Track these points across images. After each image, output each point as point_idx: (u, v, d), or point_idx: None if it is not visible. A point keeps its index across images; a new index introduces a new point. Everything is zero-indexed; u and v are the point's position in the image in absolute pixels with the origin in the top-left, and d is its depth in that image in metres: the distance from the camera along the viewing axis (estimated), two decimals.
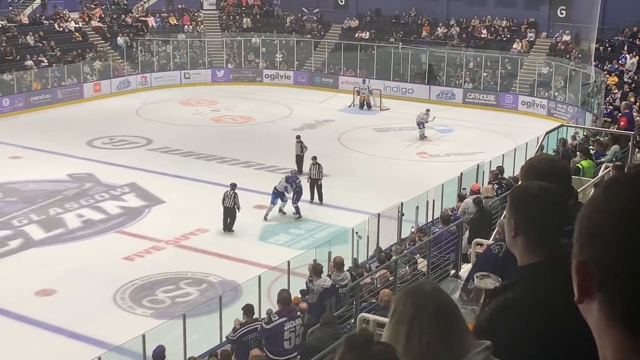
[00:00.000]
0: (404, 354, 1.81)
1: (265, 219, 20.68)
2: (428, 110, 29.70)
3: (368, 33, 40.60)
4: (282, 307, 10.66)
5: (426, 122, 29.12)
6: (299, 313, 10.96)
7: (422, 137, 29.06)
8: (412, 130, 30.69)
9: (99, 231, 20.11)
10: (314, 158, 22.24)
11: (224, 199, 19.85)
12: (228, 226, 19.83)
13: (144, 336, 11.98)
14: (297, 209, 20.92)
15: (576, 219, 1.24)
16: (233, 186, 20.05)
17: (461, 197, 16.88)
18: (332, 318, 10.36)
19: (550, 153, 17.79)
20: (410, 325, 1.85)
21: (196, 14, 43.61)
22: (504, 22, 38.70)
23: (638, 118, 18.66)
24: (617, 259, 1.14)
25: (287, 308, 10.68)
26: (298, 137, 24.51)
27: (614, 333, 1.15)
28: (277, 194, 20.82)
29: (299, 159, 24.07)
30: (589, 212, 1.21)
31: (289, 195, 20.92)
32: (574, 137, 19.39)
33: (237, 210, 19.85)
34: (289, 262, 14.75)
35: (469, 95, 36.28)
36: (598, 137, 17.60)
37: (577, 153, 15.34)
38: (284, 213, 21.01)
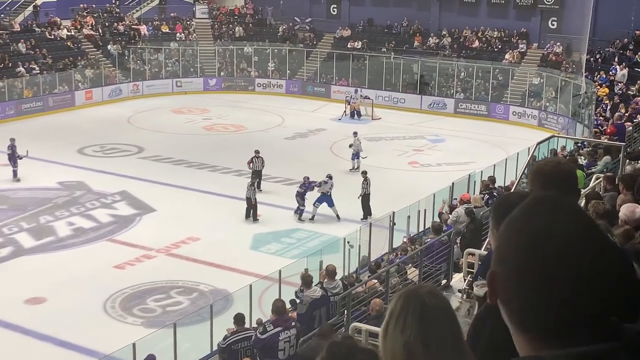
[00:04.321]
0: (384, 348, 1.87)
1: (311, 219, 21.20)
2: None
3: (360, 43, 40.71)
4: (276, 317, 10.59)
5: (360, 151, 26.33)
6: (293, 323, 10.91)
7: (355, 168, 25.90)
8: (404, 140, 30.77)
9: (89, 239, 20.03)
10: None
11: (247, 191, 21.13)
12: (252, 215, 20.98)
13: (134, 345, 11.92)
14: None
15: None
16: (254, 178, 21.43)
17: (452, 208, 16.90)
18: (330, 331, 10.20)
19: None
20: (396, 320, 1.89)
21: (188, 22, 43.64)
22: (496, 32, 38.88)
23: (629, 129, 18.70)
24: (515, 286, 1.34)
25: (282, 318, 10.60)
26: (257, 151, 23.69)
27: (516, 334, 1.39)
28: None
29: (259, 174, 23.47)
30: (504, 236, 1.38)
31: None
32: (563, 148, 19.48)
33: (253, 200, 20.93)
34: (280, 271, 14.73)
35: (461, 105, 36.39)
36: (590, 148, 17.67)
37: None
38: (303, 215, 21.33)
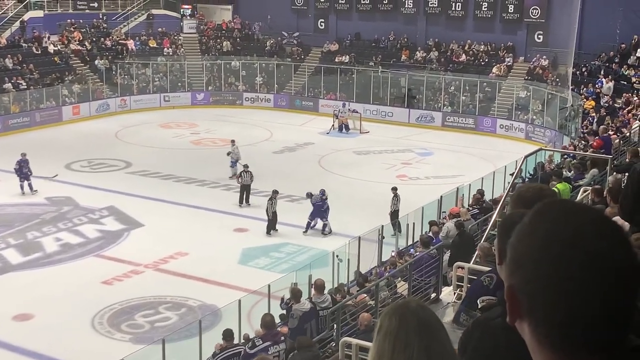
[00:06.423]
0: None
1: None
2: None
3: (348, 57, 40.82)
4: (266, 332, 10.57)
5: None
6: (282, 337, 10.89)
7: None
8: (392, 153, 30.84)
9: (77, 255, 19.93)
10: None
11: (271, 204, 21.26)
12: (267, 228, 21.20)
13: None
14: (324, 225, 21.32)
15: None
16: (275, 192, 21.49)
17: (432, 223, 16.86)
18: (308, 341, 10.31)
19: (528, 176, 17.96)
20: (395, 339, 1.89)
21: (176, 37, 43.65)
22: (482, 46, 39.08)
23: (616, 141, 18.83)
24: (537, 289, 1.23)
25: (271, 332, 10.59)
26: (246, 166, 23.91)
27: (543, 354, 1.24)
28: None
29: (247, 189, 23.57)
30: (516, 240, 1.29)
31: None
32: (549, 161, 19.56)
33: (271, 214, 21.10)
34: (269, 286, 14.69)
35: (448, 119, 36.52)
36: (575, 161, 17.76)
37: (552, 176, 15.49)
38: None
